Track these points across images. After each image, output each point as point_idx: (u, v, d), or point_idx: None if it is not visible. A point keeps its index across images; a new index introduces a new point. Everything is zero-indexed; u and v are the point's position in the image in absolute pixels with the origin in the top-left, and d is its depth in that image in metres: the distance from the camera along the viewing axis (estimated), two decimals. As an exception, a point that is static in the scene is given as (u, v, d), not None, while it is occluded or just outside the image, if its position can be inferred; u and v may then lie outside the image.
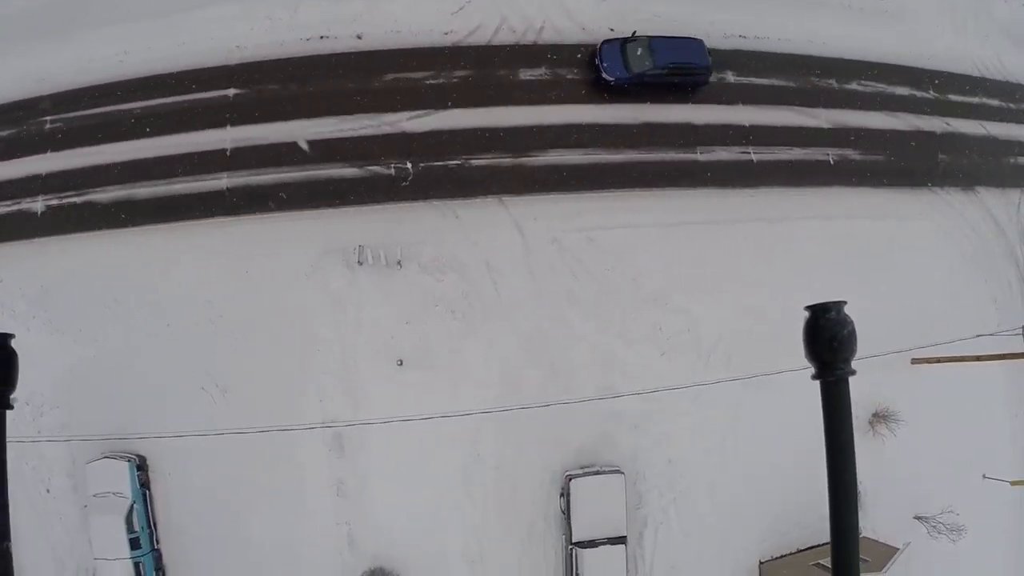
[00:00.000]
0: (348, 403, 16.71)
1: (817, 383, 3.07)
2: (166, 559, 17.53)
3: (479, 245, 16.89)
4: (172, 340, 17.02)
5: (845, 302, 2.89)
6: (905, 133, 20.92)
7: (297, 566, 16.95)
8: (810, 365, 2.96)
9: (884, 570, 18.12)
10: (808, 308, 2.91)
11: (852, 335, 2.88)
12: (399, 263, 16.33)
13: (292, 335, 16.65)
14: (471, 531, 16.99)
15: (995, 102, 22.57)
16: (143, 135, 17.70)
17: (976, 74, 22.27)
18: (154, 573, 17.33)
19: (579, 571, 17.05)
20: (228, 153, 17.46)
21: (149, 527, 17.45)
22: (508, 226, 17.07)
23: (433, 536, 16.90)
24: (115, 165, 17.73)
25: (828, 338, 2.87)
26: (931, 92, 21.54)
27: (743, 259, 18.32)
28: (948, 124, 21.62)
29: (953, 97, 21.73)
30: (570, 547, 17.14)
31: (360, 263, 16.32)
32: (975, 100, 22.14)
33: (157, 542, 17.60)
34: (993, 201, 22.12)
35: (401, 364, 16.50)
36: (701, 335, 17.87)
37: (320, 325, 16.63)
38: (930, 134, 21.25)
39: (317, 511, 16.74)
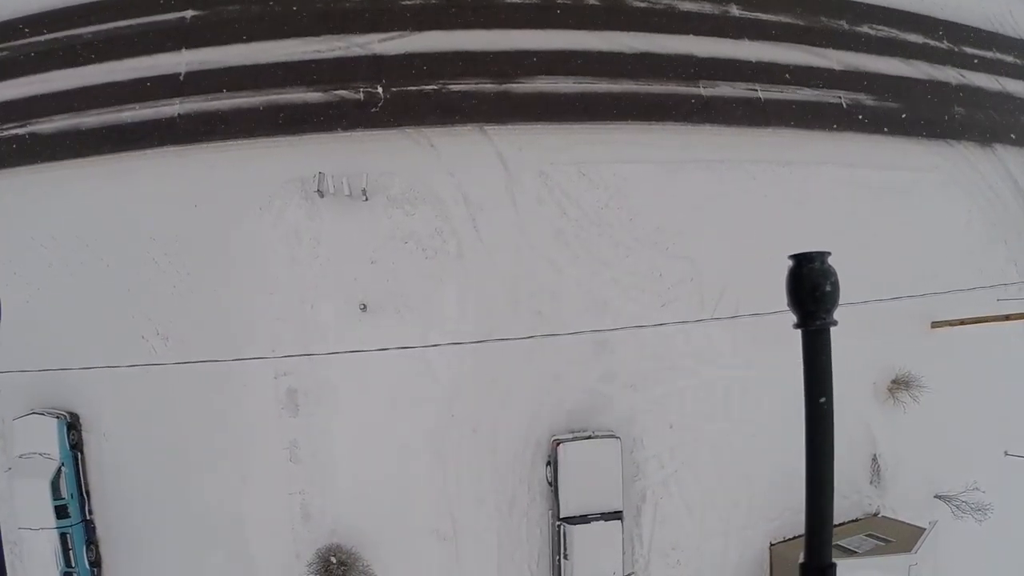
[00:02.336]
0: (304, 353, 12.97)
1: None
2: (100, 532, 13.64)
3: (456, 177, 13.24)
4: (110, 282, 13.34)
5: (829, 252, 2.58)
6: (919, 81, 17.27)
7: (244, 542, 13.04)
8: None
9: (915, 550, 14.05)
10: (792, 257, 2.65)
11: (835, 286, 2.60)
12: (364, 193, 12.67)
13: (242, 276, 12.95)
14: (443, 504, 13.08)
15: (1009, 58, 18.92)
16: (93, 61, 14.21)
17: (989, 28, 18.73)
18: (84, 547, 13.47)
19: (567, 551, 13.08)
20: (182, 78, 13.91)
21: (80, 494, 13.55)
22: (490, 157, 13.43)
23: (399, 509, 12.99)
24: (62, 93, 14.17)
25: (811, 288, 2.60)
26: (944, 42, 17.93)
27: (751, 203, 14.60)
28: (963, 76, 17.97)
29: (967, 49, 18.11)
30: (557, 523, 13.17)
31: (320, 193, 12.67)
32: (989, 54, 18.51)
33: (90, 512, 13.68)
34: (1012, 160, 18.35)
35: (364, 309, 12.77)
36: (704, 285, 14.07)
37: (274, 264, 12.92)
38: (945, 84, 17.59)
39: (266, 479, 12.87)
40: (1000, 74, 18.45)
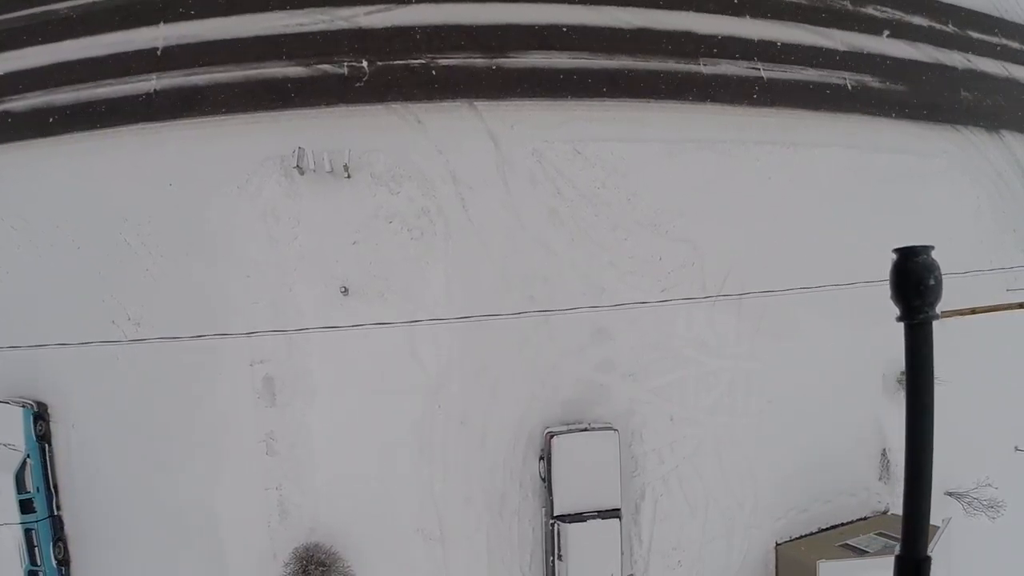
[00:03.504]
0: (282, 339, 11.54)
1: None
2: (69, 528, 12.18)
3: (444, 154, 11.81)
4: (82, 264, 11.97)
5: (933, 247, 2.51)
6: (925, 65, 15.80)
7: (218, 540, 11.56)
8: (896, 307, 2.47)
9: (929, 549, 12.44)
10: (896, 251, 2.56)
11: (939, 280, 2.49)
12: (346, 170, 11.27)
13: (218, 258, 11.52)
14: (429, 502, 11.60)
15: (1015, 44, 17.50)
16: (69, 36, 12.92)
17: (995, 14, 17.30)
18: (51, 544, 12.01)
19: (562, 551, 11.56)
20: (159, 53, 12.56)
21: (47, 488, 12.07)
22: (480, 134, 12.01)
23: (382, 507, 11.51)
24: (36, 70, 12.87)
25: (915, 282, 2.48)
26: (950, 26, 16.49)
27: (755, 185, 13.15)
28: (969, 61, 16.51)
29: (973, 34, 16.64)
30: (551, 522, 11.67)
31: (300, 170, 11.28)
32: (995, 40, 17.05)
33: (57, 508, 12.20)
34: (1020, 147, 16.87)
35: (346, 292, 11.34)
36: (707, 269, 12.61)
37: (251, 245, 11.50)
38: (951, 69, 16.12)
39: (242, 473, 11.41)
40: (1007, 60, 17.00)
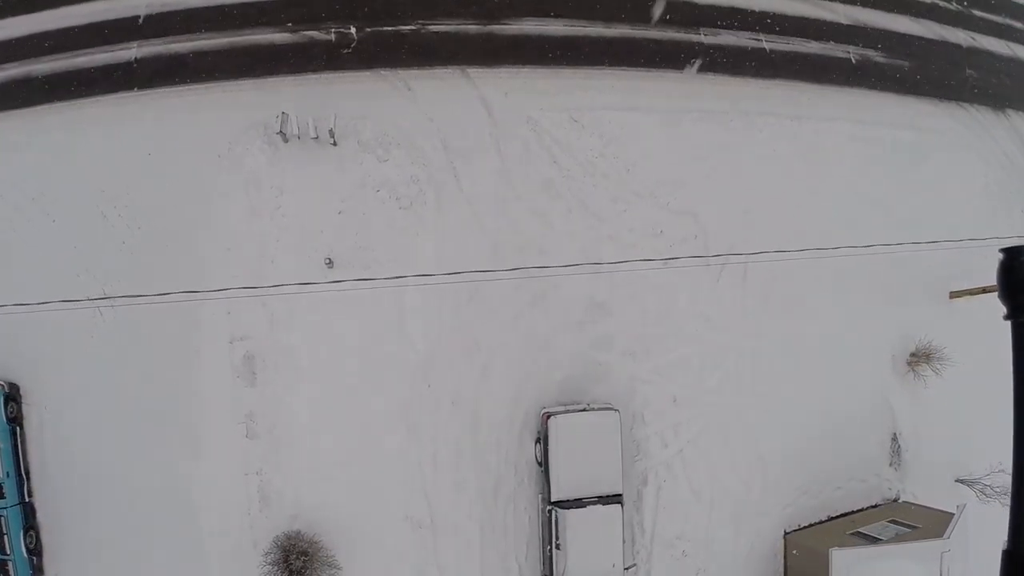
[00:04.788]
0: (263, 314, 10.43)
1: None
2: (41, 516, 10.99)
3: (435, 122, 10.73)
4: (56, 238, 10.91)
5: None
6: (930, 41, 14.75)
7: (196, 528, 10.40)
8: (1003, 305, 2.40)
9: (947, 535, 11.25)
10: (1003, 250, 2.52)
11: None
12: (332, 136, 10.21)
13: (197, 229, 10.41)
14: (417, 487, 10.39)
15: (1019, 24, 16.51)
16: (48, 6, 11.93)
17: (997, -8, 16.32)
18: (21, 532, 10.85)
19: (560, 539, 10.35)
20: (140, 21, 11.59)
21: (18, 474, 10.87)
22: (472, 101, 10.94)
23: (368, 493, 10.29)
24: (14, 40, 11.91)
25: (1022, 281, 2.42)
26: (953, 3, 15.52)
27: (759, 157, 12.06)
28: (974, 39, 15.47)
29: (977, 12, 15.64)
30: (548, 508, 10.44)
31: (283, 135, 10.23)
32: (999, 19, 15.97)
33: (29, 494, 11.04)
34: (1026, 127, 15.86)
35: (330, 264, 10.25)
36: (710, 243, 11.49)
37: (232, 215, 10.42)
38: (956, 46, 15.05)
39: (220, 458, 10.23)
40: (1011, 39, 15.96)
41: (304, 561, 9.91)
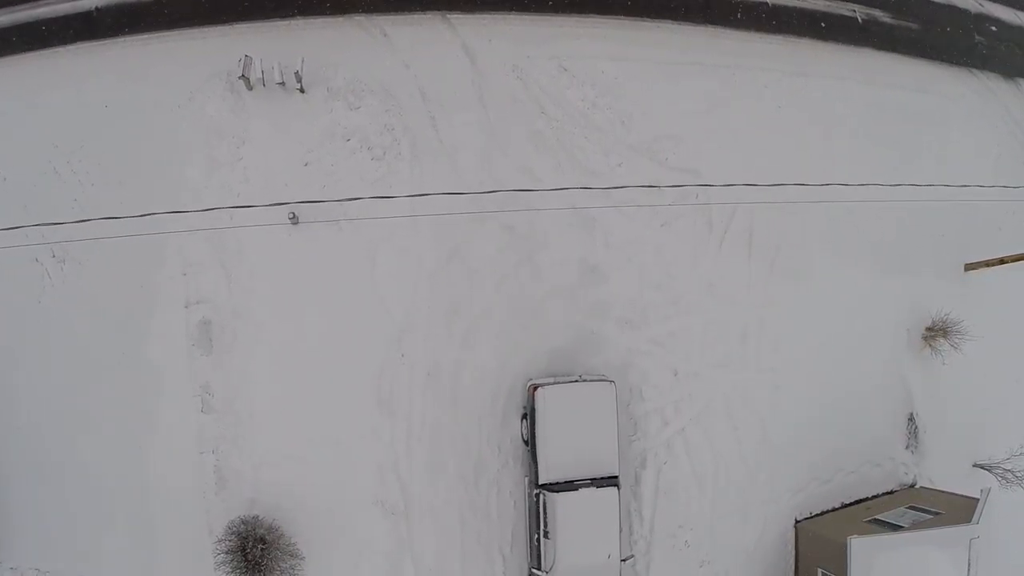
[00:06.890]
0: (221, 275, 8.91)
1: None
2: (-18, 503, 9.49)
3: (412, 69, 9.31)
4: (5, 197, 9.45)
5: None
6: (937, 4, 13.33)
7: (147, 512, 8.80)
8: None
9: (975, 520, 9.49)
10: None
11: None
12: (299, 80, 8.77)
13: (152, 184, 8.99)
14: (389, 468, 8.81)
15: (1027, -8, 15.03)
16: (8, -42, 10.66)
17: (1004, -41, 14.82)
18: (-41, 521, 9.26)
19: (549, 527, 8.69)
20: (102, -32, 10.27)
21: (-44, 455, 9.48)
22: (453, 48, 9.51)
23: (335, 474, 8.73)
24: (-29, -6, 10.64)
25: None
26: (959, -32, 14.07)
27: (764, 114, 10.56)
28: (982, 5, 14.01)
29: (984, -23, 14.21)
30: (536, 492, 8.83)
31: (246, 81, 8.77)
32: (1007, -14, 14.62)
33: (-31, 479, 9.59)
34: (1037, 97, 14.27)
35: (294, 219, 8.76)
36: (712, 203, 9.94)
37: (190, 167, 8.99)
38: (964, 12, 13.58)
39: (173, 434, 8.69)
40: (1019, 8, 14.49)
41: (262, 549, 8.31)
